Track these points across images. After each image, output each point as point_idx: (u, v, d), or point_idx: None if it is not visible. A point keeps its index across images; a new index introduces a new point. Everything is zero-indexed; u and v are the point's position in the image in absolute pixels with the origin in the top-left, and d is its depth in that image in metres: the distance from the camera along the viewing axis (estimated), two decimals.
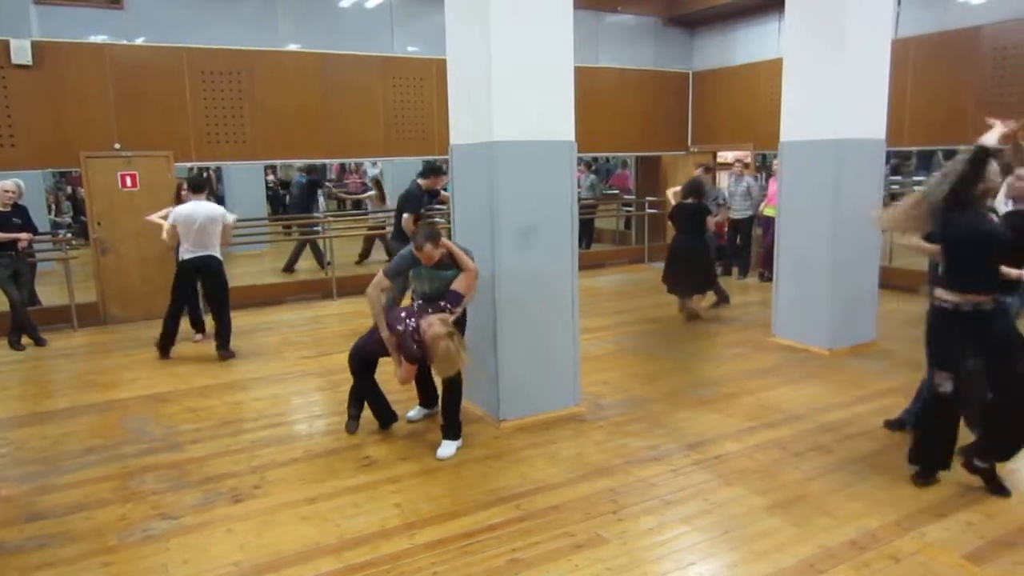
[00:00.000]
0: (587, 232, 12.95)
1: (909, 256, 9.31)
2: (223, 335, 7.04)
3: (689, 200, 7.94)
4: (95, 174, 8.47)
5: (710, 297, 8.34)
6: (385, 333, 4.53)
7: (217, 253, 6.90)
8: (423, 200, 7.27)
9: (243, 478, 4.34)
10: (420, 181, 7.25)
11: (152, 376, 6.50)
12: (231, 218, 7.06)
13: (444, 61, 5.32)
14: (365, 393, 4.99)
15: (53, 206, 13.22)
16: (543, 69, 4.88)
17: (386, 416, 5.04)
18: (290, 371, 6.58)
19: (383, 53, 10.06)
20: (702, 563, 3.35)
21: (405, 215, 6.96)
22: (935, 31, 9.16)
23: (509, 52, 4.72)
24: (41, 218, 12.17)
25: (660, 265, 11.95)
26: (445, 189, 7.29)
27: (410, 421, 5.13)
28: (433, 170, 7.41)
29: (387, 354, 4.64)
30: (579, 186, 5.98)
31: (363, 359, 4.88)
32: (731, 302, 8.50)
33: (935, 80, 9.15)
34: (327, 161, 12.49)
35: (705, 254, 8.04)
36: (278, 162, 12.61)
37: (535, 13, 4.78)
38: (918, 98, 9.27)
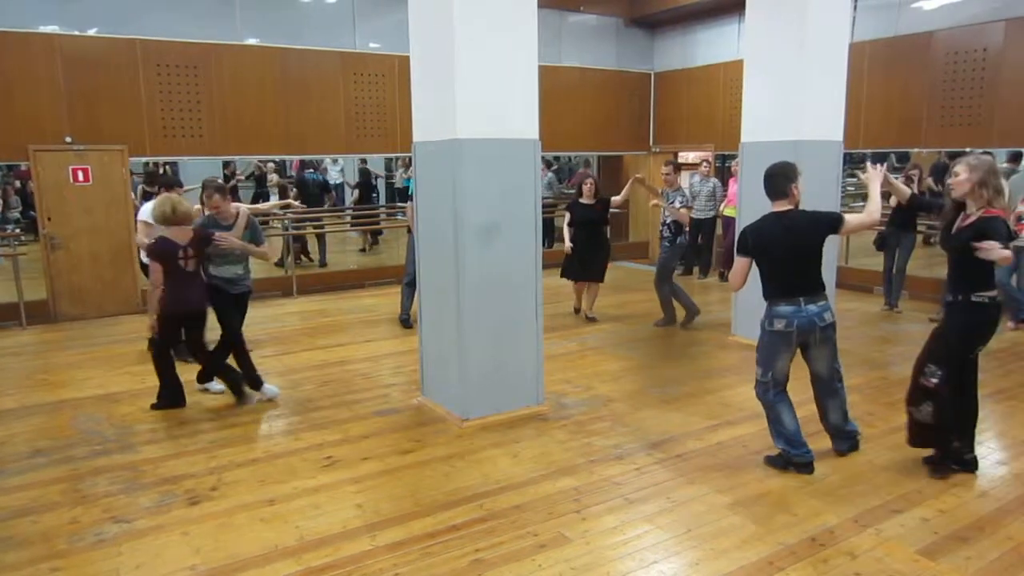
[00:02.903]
0: (547, 231, 12.96)
1: (865, 256, 9.52)
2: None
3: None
4: (45, 168, 8.22)
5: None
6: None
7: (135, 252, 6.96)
8: None
9: (200, 479, 4.25)
10: None
11: (105, 375, 6.32)
12: (143, 216, 6.41)
13: (406, 57, 5.27)
14: (218, 367, 5.54)
15: (1, 200, 12.80)
16: (507, 66, 4.85)
17: (254, 381, 5.55)
18: None
19: (344, 49, 9.95)
20: (665, 561, 3.36)
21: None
22: (890, 36, 9.38)
23: (473, 49, 4.68)
24: None
25: (625, 264, 12.07)
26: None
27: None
28: None
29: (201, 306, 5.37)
30: None
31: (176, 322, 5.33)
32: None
33: (889, 83, 9.37)
34: (286, 158, 12.32)
35: (605, 240, 8.39)
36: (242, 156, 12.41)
37: (499, 10, 4.76)
38: (873, 101, 9.47)
